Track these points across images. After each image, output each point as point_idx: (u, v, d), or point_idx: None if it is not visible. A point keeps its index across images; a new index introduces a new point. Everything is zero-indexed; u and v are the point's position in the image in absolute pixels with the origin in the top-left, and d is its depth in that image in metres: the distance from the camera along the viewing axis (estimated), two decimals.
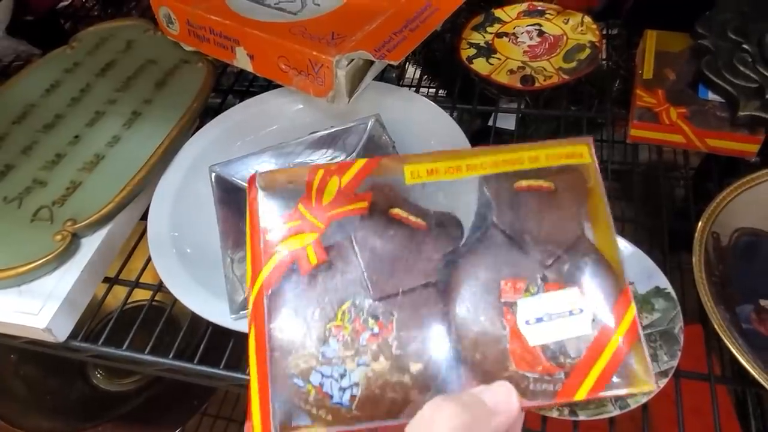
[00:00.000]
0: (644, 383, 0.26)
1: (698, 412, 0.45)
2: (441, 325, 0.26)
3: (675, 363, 0.39)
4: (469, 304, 0.27)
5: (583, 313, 0.27)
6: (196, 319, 0.44)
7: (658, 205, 0.52)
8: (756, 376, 0.37)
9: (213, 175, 0.50)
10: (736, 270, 0.43)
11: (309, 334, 0.25)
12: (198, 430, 0.93)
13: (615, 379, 0.25)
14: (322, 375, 0.25)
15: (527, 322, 0.26)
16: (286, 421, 0.24)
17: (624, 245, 0.45)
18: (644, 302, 0.43)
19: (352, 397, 0.24)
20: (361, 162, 0.29)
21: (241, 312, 0.42)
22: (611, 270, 0.28)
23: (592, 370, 0.25)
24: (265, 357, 0.25)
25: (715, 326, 0.39)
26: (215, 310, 0.43)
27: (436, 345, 0.26)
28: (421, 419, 0.23)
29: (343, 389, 0.24)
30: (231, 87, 0.69)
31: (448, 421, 0.22)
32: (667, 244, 0.47)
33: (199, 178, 0.52)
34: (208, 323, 0.43)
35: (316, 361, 0.25)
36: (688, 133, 0.51)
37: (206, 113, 0.60)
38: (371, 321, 0.26)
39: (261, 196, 0.28)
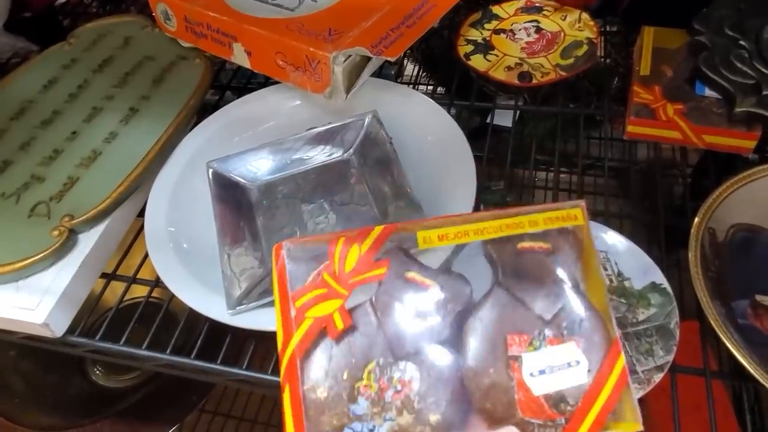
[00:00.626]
0: (633, 425, 0.29)
1: (697, 407, 0.45)
2: (455, 378, 0.29)
3: (671, 358, 0.40)
4: (479, 359, 0.29)
5: (580, 365, 0.29)
6: (193, 316, 0.44)
7: (656, 202, 0.52)
8: (752, 371, 0.37)
9: (210, 171, 0.50)
10: (732, 265, 0.43)
11: (340, 393, 0.28)
12: (196, 427, 0.93)
13: (607, 422, 0.28)
14: (353, 431, 0.27)
15: (531, 375, 0.29)
16: None
17: (620, 240, 0.45)
18: (640, 297, 0.43)
19: None
20: (379, 229, 0.32)
21: (238, 308, 0.42)
22: (603, 322, 0.31)
23: (588, 415, 0.28)
24: (301, 416, 0.27)
25: (711, 321, 0.39)
26: (212, 306, 0.43)
27: (451, 397, 0.29)
28: None
29: None
30: (229, 83, 0.69)
31: None
32: (663, 241, 0.47)
33: (196, 174, 0.53)
34: (206, 319, 0.43)
35: (347, 419, 0.27)
36: (685, 129, 0.51)
37: (204, 110, 0.60)
38: (395, 379, 0.28)
39: (288, 264, 0.31)
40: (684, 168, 0.56)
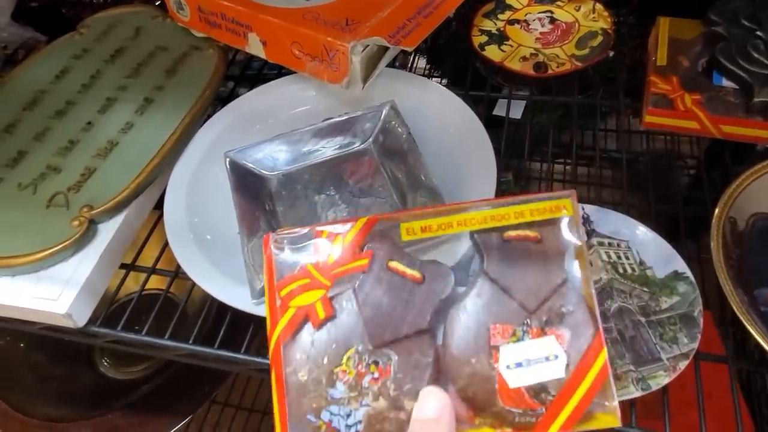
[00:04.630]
0: (611, 419, 0.29)
1: (709, 396, 0.45)
2: (433, 367, 0.30)
3: (695, 345, 0.40)
4: (462, 347, 0.30)
5: (559, 359, 0.30)
6: (204, 307, 0.44)
7: (664, 193, 0.52)
8: None
9: (228, 160, 0.50)
10: (753, 254, 0.44)
11: (319, 378, 0.30)
12: (207, 418, 0.93)
13: (585, 414, 0.29)
14: (331, 413, 0.29)
15: (507, 367, 0.30)
16: None
17: (643, 231, 0.46)
18: (663, 286, 0.43)
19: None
20: (363, 221, 0.32)
21: (262, 297, 0.42)
22: (589, 312, 0.31)
23: (566, 407, 0.29)
24: (284, 397, 0.29)
25: (735, 309, 0.39)
26: (236, 295, 0.43)
27: (428, 384, 0.30)
28: None
29: (348, 426, 0.29)
30: (242, 73, 0.69)
31: None
32: (683, 231, 0.47)
33: (214, 164, 0.52)
34: (217, 310, 0.43)
35: (325, 402, 0.29)
36: (702, 119, 0.51)
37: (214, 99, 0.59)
38: (372, 366, 0.30)
39: (275, 255, 0.32)
40: (700, 157, 0.56)
